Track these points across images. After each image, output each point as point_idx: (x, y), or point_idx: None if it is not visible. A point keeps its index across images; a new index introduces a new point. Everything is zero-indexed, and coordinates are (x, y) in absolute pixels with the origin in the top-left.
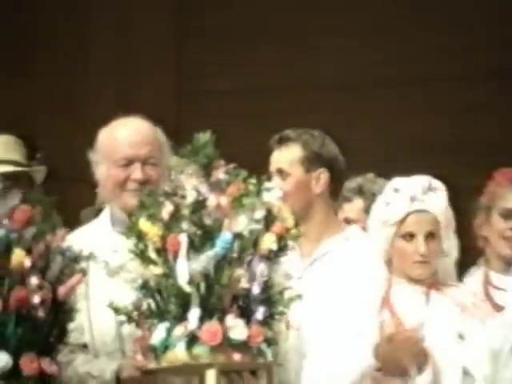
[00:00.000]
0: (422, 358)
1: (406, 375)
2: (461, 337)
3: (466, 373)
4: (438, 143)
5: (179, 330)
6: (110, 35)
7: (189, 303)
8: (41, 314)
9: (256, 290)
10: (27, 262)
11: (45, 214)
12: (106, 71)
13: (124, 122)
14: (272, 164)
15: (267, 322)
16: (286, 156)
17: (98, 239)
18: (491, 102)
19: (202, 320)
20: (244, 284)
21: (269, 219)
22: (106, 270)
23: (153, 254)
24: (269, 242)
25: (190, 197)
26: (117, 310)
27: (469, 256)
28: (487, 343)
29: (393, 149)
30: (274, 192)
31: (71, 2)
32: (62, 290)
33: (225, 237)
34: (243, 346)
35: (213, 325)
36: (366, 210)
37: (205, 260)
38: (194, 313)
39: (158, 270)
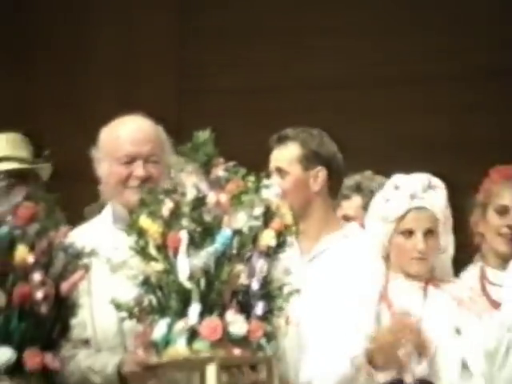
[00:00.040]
0: (422, 348)
1: (399, 369)
2: (458, 331)
3: (464, 366)
4: (438, 142)
5: (180, 326)
6: (111, 35)
7: (189, 299)
8: (44, 309)
9: (255, 285)
10: (30, 258)
11: (48, 211)
12: (107, 71)
13: (126, 120)
14: (271, 162)
15: (266, 317)
16: (285, 154)
17: (99, 236)
18: (491, 102)
19: (202, 315)
20: (243, 280)
21: (268, 216)
22: (108, 266)
23: (153, 251)
24: (268, 238)
25: (190, 194)
26: (118, 306)
27: (465, 253)
28: (483, 344)
29: (392, 147)
30: (272, 189)
31: (72, 2)
32: (64, 286)
33: (224, 233)
34: (243, 341)
35: (213, 320)
36: (365, 208)
37: (205, 256)
38: (195, 308)
39: (158, 267)
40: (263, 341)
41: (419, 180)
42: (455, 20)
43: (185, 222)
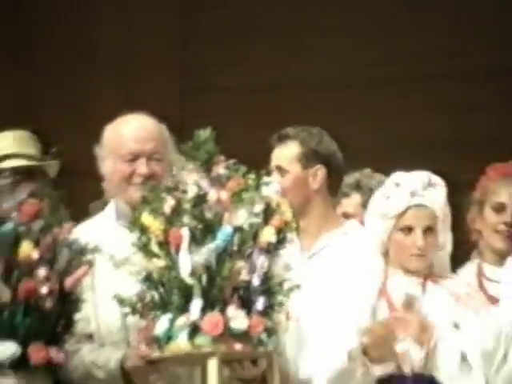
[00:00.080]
0: (422, 339)
1: (395, 362)
2: (456, 326)
3: (463, 359)
4: (437, 141)
5: (182, 321)
6: (112, 35)
7: (191, 295)
8: (48, 304)
9: (256, 281)
10: (35, 254)
11: (52, 208)
12: (108, 71)
13: (130, 119)
14: (272, 161)
15: (267, 312)
16: (285, 153)
17: (103, 232)
18: (490, 101)
19: (203, 311)
20: (244, 276)
21: (268, 213)
22: (111, 262)
23: (155, 248)
24: (268, 234)
25: (191, 191)
26: (121, 302)
27: (462, 250)
28: (481, 343)
29: (392, 146)
30: (272, 186)
31: (73, 2)
32: (68, 282)
33: (225, 230)
34: (244, 336)
35: (214, 315)
36: (364, 205)
37: (206, 253)
38: (196, 304)
39: (160, 263)
40: (264, 336)
41: (419, 178)
42: (455, 20)
43: (186, 219)
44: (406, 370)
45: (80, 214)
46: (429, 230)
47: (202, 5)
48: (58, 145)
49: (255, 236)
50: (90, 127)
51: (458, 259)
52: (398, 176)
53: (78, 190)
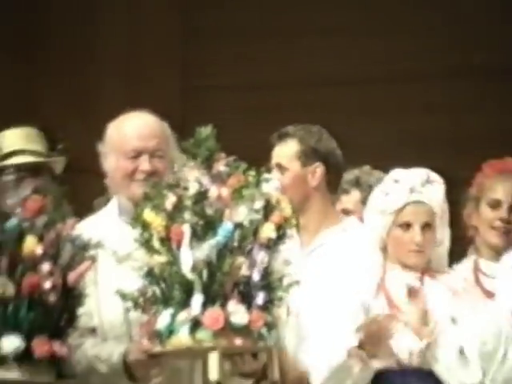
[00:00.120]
0: (422, 332)
1: (392, 356)
2: (453, 321)
3: (461, 352)
4: (436, 139)
5: (183, 316)
6: (114, 34)
7: (192, 290)
8: (52, 298)
9: (256, 276)
10: (39, 250)
11: (55, 204)
12: (111, 70)
13: (132, 116)
14: (273, 159)
15: (267, 307)
16: (285, 151)
17: (106, 228)
18: (490, 101)
19: (204, 306)
20: (245, 271)
21: (268, 209)
22: (114, 257)
23: (157, 243)
24: (268, 230)
25: (193, 188)
26: (124, 297)
27: (460, 246)
28: (480, 341)
29: (391, 144)
30: (272, 183)
31: (77, 2)
32: (71, 276)
33: (226, 226)
34: (244, 330)
35: (215, 310)
36: (363, 202)
37: (207, 249)
38: (197, 299)
39: (162, 259)
40: (264, 330)
41: (418, 175)
42: (455, 19)
43: (187, 215)
44: (405, 363)
45: (83, 210)
46: (427, 227)
47: (203, 4)
48: (64, 141)
49: (255, 232)
50: (93, 125)
51: (456, 255)
52: (397, 173)
53: (81, 187)
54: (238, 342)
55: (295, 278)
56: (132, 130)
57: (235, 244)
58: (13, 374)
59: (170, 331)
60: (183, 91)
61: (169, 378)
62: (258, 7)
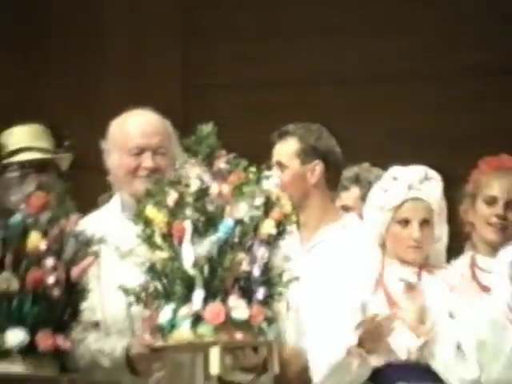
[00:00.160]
0: (419, 330)
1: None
2: (451, 315)
3: (458, 347)
4: (434, 136)
5: (184, 311)
6: (117, 33)
7: (193, 285)
8: (55, 293)
9: (256, 272)
10: (43, 245)
11: (59, 200)
12: (114, 68)
13: (135, 114)
14: (273, 157)
15: (267, 302)
16: (285, 149)
17: (108, 224)
18: (488, 100)
19: (205, 301)
20: (245, 267)
21: (268, 206)
22: (116, 253)
23: (159, 239)
24: (268, 227)
25: (194, 185)
26: (126, 292)
27: (457, 242)
28: (477, 336)
29: (390, 142)
30: (272, 180)
31: (80, 3)
32: (75, 272)
33: (227, 223)
34: (245, 325)
35: (216, 305)
36: (363, 198)
37: (208, 245)
38: (198, 294)
39: (164, 254)
40: (264, 325)
41: (416, 172)
42: (455, 19)
43: (189, 211)
44: (402, 359)
45: (87, 206)
46: (425, 223)
47: (205, 2)
48: (70, 138)
49: (256, 228)
50: (96, 123)
51: (454, 251)
52: (396, 170)
53: (84, 184)
54: (239, 336)
55: (295, 273)
56: (135, 128)
57: (236, 240)
58: (17, 367)
59: (172, 326)
60: (185, 90)
61: (170, 371)
62: (259, 7)
